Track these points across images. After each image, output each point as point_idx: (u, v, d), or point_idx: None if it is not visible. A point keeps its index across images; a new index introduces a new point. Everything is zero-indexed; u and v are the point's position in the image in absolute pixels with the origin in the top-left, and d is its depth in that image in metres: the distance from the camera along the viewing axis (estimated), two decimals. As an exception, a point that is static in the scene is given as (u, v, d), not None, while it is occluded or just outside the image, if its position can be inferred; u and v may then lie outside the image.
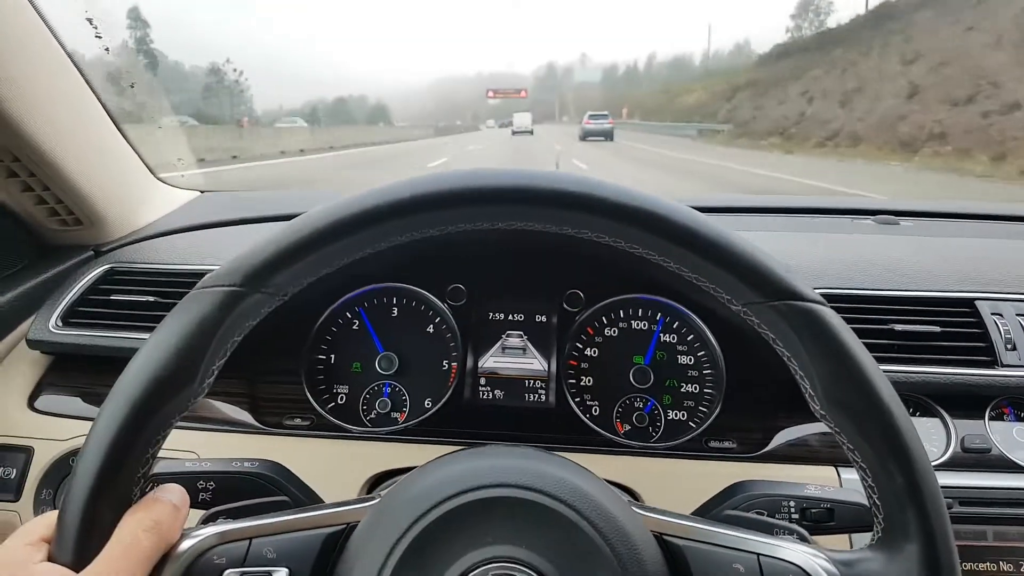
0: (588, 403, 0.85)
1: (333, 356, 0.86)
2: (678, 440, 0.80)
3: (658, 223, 0.42)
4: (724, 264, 0.42)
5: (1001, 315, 0.78)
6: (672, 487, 0.75)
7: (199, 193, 1.14)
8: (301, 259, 0.42)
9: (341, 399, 0.85)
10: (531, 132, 46.69)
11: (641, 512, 0.44)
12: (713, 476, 0.72)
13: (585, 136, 32.17)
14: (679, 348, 0.85)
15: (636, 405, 0.84)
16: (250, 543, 0.42)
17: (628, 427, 0.83)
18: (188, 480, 0.62)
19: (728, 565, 0.42)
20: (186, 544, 0.42)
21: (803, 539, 0.53)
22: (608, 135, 32.20)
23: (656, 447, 0.80)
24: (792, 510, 0.64)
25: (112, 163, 0.97)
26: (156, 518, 0.40)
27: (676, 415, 0.83)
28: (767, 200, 1.10)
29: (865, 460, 0.42)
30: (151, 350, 0.41)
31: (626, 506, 0.44)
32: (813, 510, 0.62)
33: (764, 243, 0.91)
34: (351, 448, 0.79)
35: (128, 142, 1.00)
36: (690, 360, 0.85)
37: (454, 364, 0.85)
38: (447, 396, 0.83)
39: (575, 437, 0.81)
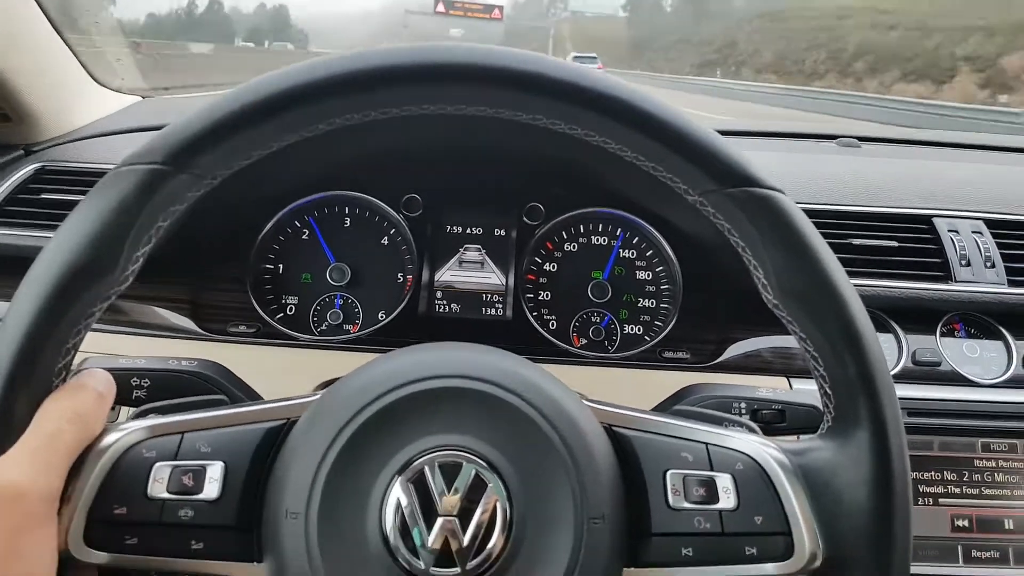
0: (546, 317, 0.83)
1: (281, 266, 0.82)
2: (632, 351, 0.79)
3: (616, 107, 0.39)
4: (682, 151, 0.40)
5: (957, 232, 0.78)
6: (625, 394, 0.73)
7: (140, 99, 1.07)
8: (230, 136, 0.38)
9: (290, 310, 0.82)
10: None
11: (591, 404, 0.43)
12: (666, 384, 0.71)
13: None
14: (638, 263, 0.84)
15: (593, 319, 0.83)
16: (182, 437, 0.40)
17: (585, 340, 0.82)
18: (121, 377, 0.58)
19: (677, 454, 0.41)
20: (112, 437, 0.39)
21: (753, 432, 0.52)
22: None
23: (611, 357, 0.79)
24: (743, 411, 0.64)
25: (47, 62, 0.90)
26: (79, 407, 0.37)
27: (632, 329, 0.82)
28: (734, 124, 1.08)
29: (818, 349, 0.41)
30: (66, 233, 0.37)
31: (575, 398, 0.42)
32: (764, 411, 0.62)
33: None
34: (300, 356, 0.77)
35: (66, 42, 0.93)
36: (648, 275, 0.84)
37: (409, 277, 0.83)
38: (401, 308, 0.80)
39: (531, 348, 0.80)
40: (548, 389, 0.41)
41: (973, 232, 0.78)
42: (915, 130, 1.10)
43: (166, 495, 0.38)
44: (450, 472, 0.38)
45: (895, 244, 0.77)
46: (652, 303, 0.83)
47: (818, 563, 0.40)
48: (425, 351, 0.43)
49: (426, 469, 0.38)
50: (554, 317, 0.83)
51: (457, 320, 0.82)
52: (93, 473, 0.38)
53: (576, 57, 28.56)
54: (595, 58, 29.97)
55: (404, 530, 0.36)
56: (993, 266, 0.76)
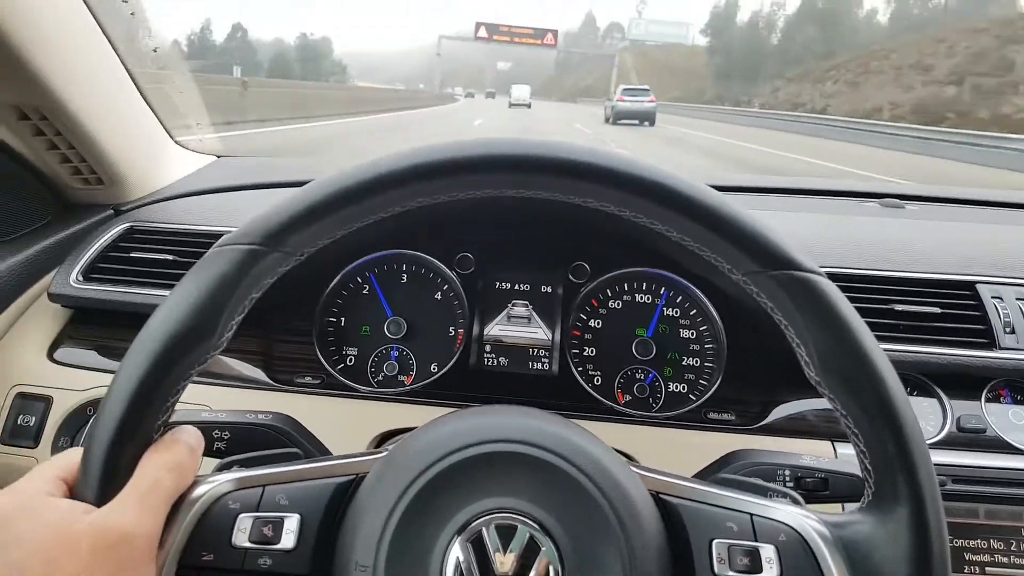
0: (591, 373, 0.87)
1: (343, 319, 0.88)
2: (678, 411, 0.81)
3: (662, 193, 0.43)
4: (725, 234, 0.43)
5: (1001, 299, 0.78)
6: (670, 455, 0.77)
7: (215, 158, 1.16)
8: (318, 220, 0.44)
9: (350, 360, 0.87)
10: (528, 105, 45.43)
11: (639, 472, 0.46)
12: (711, 446, 0.74)
13: (616, 118, 24.87)
14: (682, 322, 0.87)
15: (638, 376, 0.86)
16: (263, 490, 0.44)
17: (629, 397, 0.85)
18: (204, 429, 0.64)
19: (723, 523, 0.44)
20: (202, 489, 0.43)
21: (796, 503, 0.54)
22: (648, 118, 24.44)
23: (656, 416, 0.81)
24: (787, 478, 0.66)
25: (133, 125, 0.99)
26: (176, 458, 0.42)
27: (677, 387, 0.85)
28: (776, 181, 1.10)
29: (857, 426, 0.43)
30: (173, 304, 0.43)
31: (625, 465, 0.45)
32: (808, 479, 0.63)
33: (770, 222, 0.93)
34: (359, 407, 0.82)
35: (148, 104, 1.02)
36: (692, 334, 0.86)
37: (460, 330, 0.87)
38: (453, 361, 0.85)
39: (577, 404, 0.83)
40: (599, 456, 0.44)
41: (1017, 299, 0.78)
42: (961, 188, 1.10)
43: (248, 544, 0.42)
44: (506, 534, 0.41)
45: (938, 311, 0.78)
46: (696, 361, 0.86)
47: None
48: (486, 415, 0.47)
49: (484, 530, 0.41)
50: (599, 373, 0.87)
51: (505, 374, 0.86)
52: (185, 521, 0.42)
53: (627, 90, 25.71)
54: (647, 90, 26.01)
55: None
56: None
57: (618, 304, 0.89)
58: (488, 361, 0.87)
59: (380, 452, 0.47)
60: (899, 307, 0.78)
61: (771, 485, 0.57)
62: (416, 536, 0.41)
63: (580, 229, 0.87)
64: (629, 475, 0.44)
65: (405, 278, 0.89)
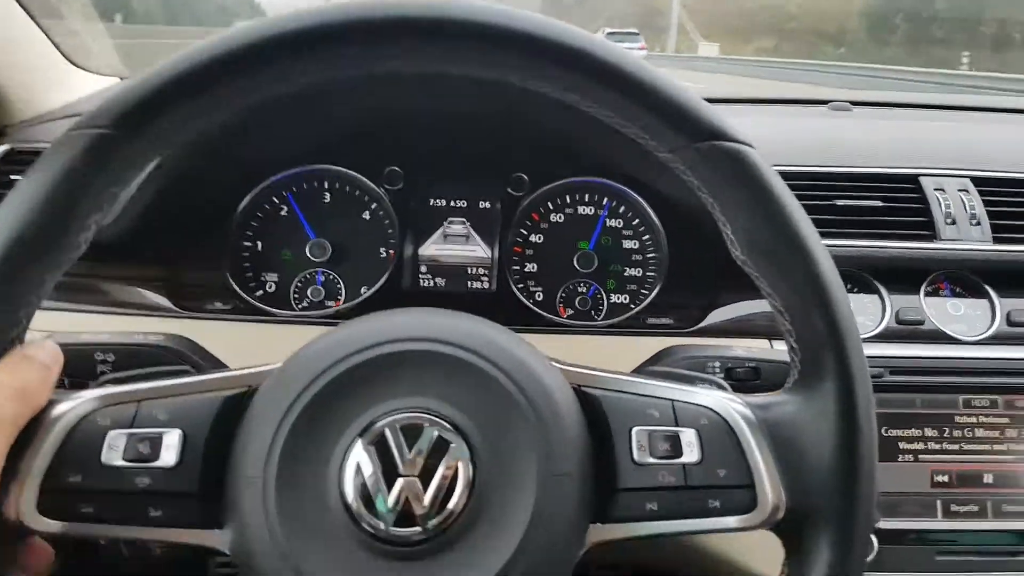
0: (532, 289, 0.83)
1: (260, 243, 0.81)
2: (617, 318, 0.79)
3: (580, 60, 0.38)
4: (650, 105, 0.39)
5: (943, 190, 0.77)
6: (609, 360, 0.74)
7: (119, 79, 1.04)
8: (187, 98, 0.37)
9: (270, 287, 0.81)
10: None
11: (560, 366, 0.43)
12: (649, 349, 0.72)
13: None
14: (624, 232, 0.83)
15: (580, 290, 0.82)
16: (138, 406, 0.39)
17: (571, 311, 0.82)
18: (84, 352, 0.58)
19: (643, 411, 0.41)
20: (63, 407, 0.38)
21: (721, 388, 0.52)
22: None
23: (594, 326, 0.79)
24: (717, 370, 0.65)
25: (18, 42, 0.87)
26: (20, 382, 0.36)
27: (619, 298, 0.82)
28: (727, 92, 1.06)
29: (784, 304, 0.41)
30: (14, 202, 0.36)
31: (543, 359, 0.42)
32: (739, 369, 0.62)
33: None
34: (278, 331, 0.76)
35: (38, 25, 0.90)
36: (635, 244, 0.83)
37: (392, 251, 0.82)
38: (382, 281, 0.79)
39: (518, 320, 0.79)
40: (513, 350, 0.40)
41: (959, 191, 0.77)
42: (910, 94, 1.08)
43: (122, 463, 0.37)
44: (412, 434, 0.37)
45: (880, 204, 0.76)
46: (639, 272, 0.83)
47: (781, 515, 0.40)
48: (387, 316, 0.43)
49: (387, 431, 0.37)
50: (540, 288, 0.83)
51: (442, 294, 0.82)
52: (45, 444, 0.37)
53: (612, 35, 20.01)
54: (637, 35, 21.20)
55: (364, 492, 0.36)
56: (979, 224, 0.76)
57: (559, 217, 0.84)
58: (424, 282, 0.82)
59: (276, 364, 0.42)
60: (841, 202, 0.76)
61: (696, 373, 0.55)
62: (312, 444, 0.37)
63: (518, 138, 0.81)
64: (548, 368, 0.41)
65: (328, 197, 0.82)
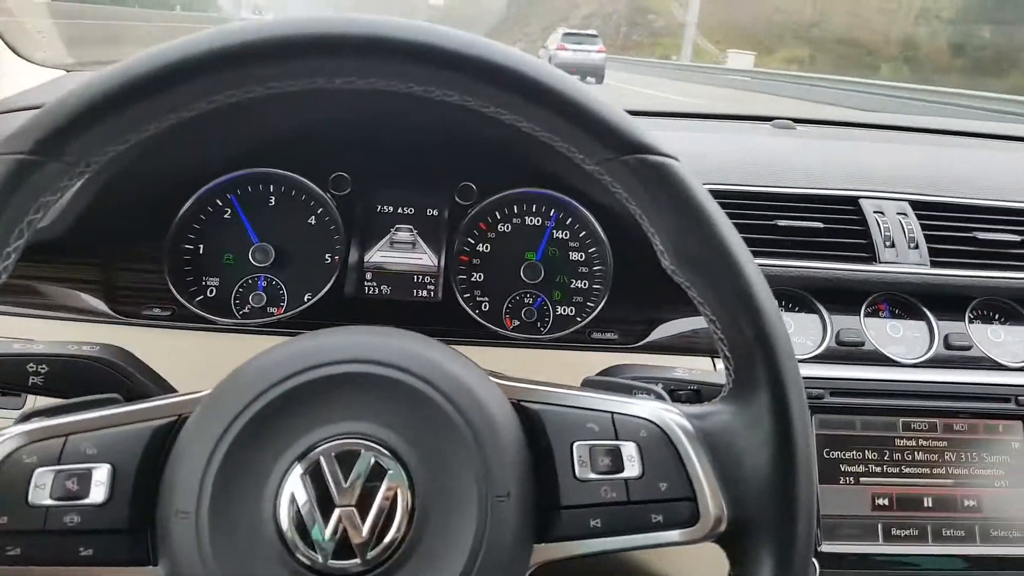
0: (478, 299, 0.82)
1: (202, 246, 0.79)
2: (562, 332, 0.78)
3: (504, 75, 0.38)
4: (576, 119, 0.39)
5: (883, 213, 0.78)
6: (551, 375, 0.74)
7: (64, 72, 1.03)
8: (103, 120, 0.36)
9: (211, 291, 0.79)
10: None
11: (498, 381, 0.42)
12: (594, 365, 0.71)
13: None
14: (571, 244, 0.83)
15: (526, 301, 0.82)
16: (66, 440, 0.38)
17: (517, 322, 0.81)
18: (17, 363, 0.56)
19: (583, 425, 0.41)
20: None
21: (660, 398, 0.52)
22: (595, 73, 17.21)
23: (539, 339, 0.78)
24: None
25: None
26: None
27: (565, 310, 0.82)
28: (668, 105, 1.07)
29: (715, 313, 0.41)
30: None
31: (481, 375, 0.42)
32: (681, 392, 0.62)
33: (665, 143, 0.89)
34: (217, 340, 0.74)
35: None
36: (581, 256, 0.83)
37: (337, 257, 0.81)
38: (327, 289, 0.78)
39: (463, 330, 0.79)
40: (449, 368, 0.40)
41: (898, 214, 0.78)
42: (854, 111, 1.11)
43: (49, 502, 0.36)
44: (348, 461, 0.37)
45: (820, 225, 0.77)
46: (585, 284, 0.83)
47: (723, 527, 0.40)
48: (320, 337, 0.42)
49: (322, 459, 0.36)
50: (487, 299, 0.82)
51: (387, 302, 0.81)
52: None
53: (569, 35, 18.84)
54: (595, 37, 18.92)
55: (300, 523, 0.35)
56: (917, 247, 0.77)
57: (507, 227, 0.84)
58: (369, 290, 0.81)
59: (204, 392, 0.41)
60: (782, 222, 0.77)
61: (635, 383, 0.54)
62: (244, 475, 0.36)
63: (467, 148, 0.81)
64: (485, 385, 0.41)
65: (273, 200, 0.81)
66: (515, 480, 0.38)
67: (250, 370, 0.39)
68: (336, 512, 0.35)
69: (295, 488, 0.36)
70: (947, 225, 0.78)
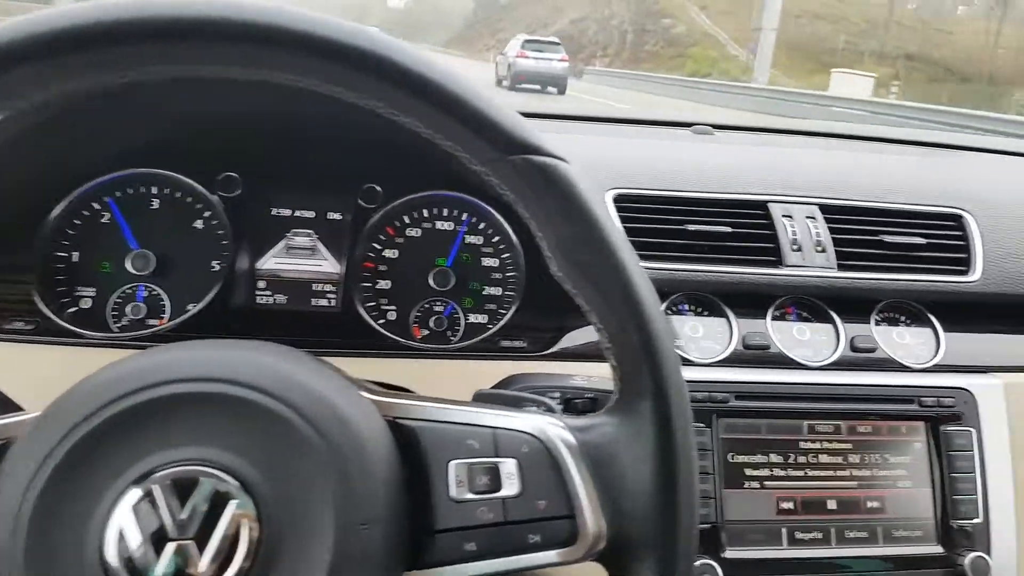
0: (384, 307, 0.78)
1: (76, 253, 0.73)
2: (470, 341, 0.75)
3: (381, 66, 0.35)
4: (460, 117, 0.37)
5: (791, 217, 0.78)
6: (454, 386, 0.71)
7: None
8: None
9: (85, 303, 0.73)
10: None
11: (373, 397, 0.39)
12: (498, 374, 0.69)
13: (515, 81, 16.92)
14: (484, 249, 0.80)
15: (435, 309, 0.78)
16: None
17: (426, 331, 0.78)
18: None
19: (463, 442, 0.39)
20: None
21: (550, 411, 0.49)
22: (557, 83, 16.96)
23: (444, 349, 0.75)
24: (556, 401, 0.62)
25: None
26: None
27: (476, 318, 0.79)
28: (592, 111, 1.06)
29: (602, 321, 0.40)
30: None
31: (351, 391, 0.38)
32: (577, 400, 0.60)
33: (581, 146, 0.86)
34: (89, 357, 0.68)
35: None
36: (495, 262, 0.80)
37: (225, 264, 0.75)
38: (210, 298, 0.73)
39: (365, 342, 0.75)
40: (311, 384, 0.36)
41: (807, 217, 0.78)
42: (775, 118, 1.11)
43: None
44: (185, 490, 0.33)
45: (728, 230, 0.76)
46: (498, 290, 0.80)
47: (603, 546, 0.38)
48: (170, 351, 0.38)
49: (155, 489, 0.33)
50: (393, 307, 0.78)
51: (282, 313, 0.76)
52: None
53: (530, 43, 17.43)
54: (558, 44, 17.69)
55: (129, 561, 0.32)
56: (824, 250, 0.77)
57: (416, 232, 0.80)
58: (261, 298, 0.76)
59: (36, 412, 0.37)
60: (691, 227, 0.76)
61: (526, 395, 0.52)
62: (68, 506, 0.32)
63: (370, 146, 0.77)
64: (354, 402, 0.38)
65: (156, 204, 0.75)
66: (384, 504, 0.35)
67: (85, 387, 0.35)
68: (170, 546, 0.32)
69: (124, 520, 0.32)
70: (855, 228, 0.79)
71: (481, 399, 0.49)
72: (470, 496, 0.38)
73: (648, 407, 0.38)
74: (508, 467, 0.38)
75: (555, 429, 0.39)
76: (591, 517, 0.38)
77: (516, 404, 0.46)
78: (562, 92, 16.99)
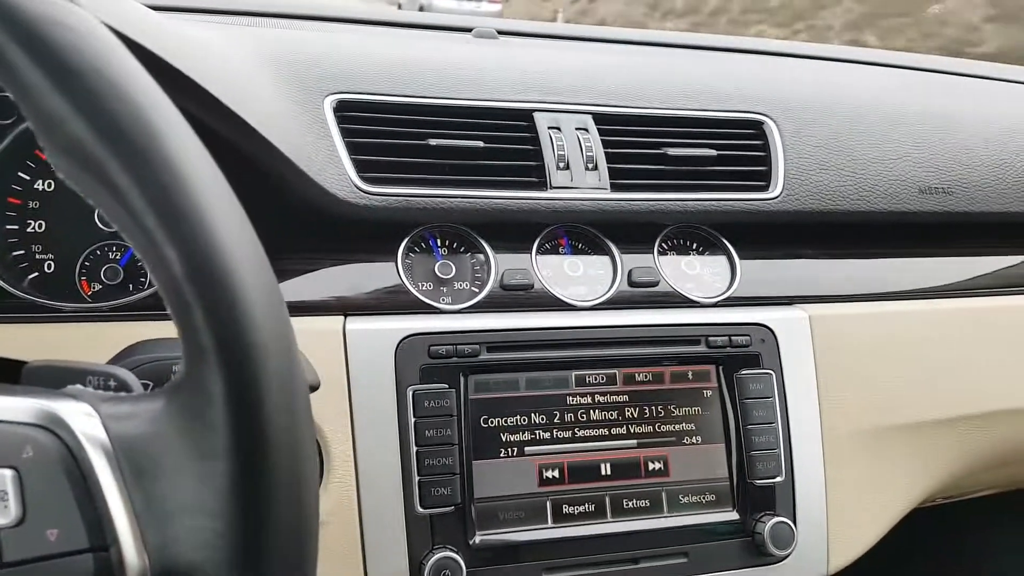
0: (38, 257, 0.60)
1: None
2: (140, 295, 0.59)
3: None
4: None
5: (559, 129, 0.65)
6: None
7: None
8: None
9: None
10: None
11: None
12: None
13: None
14: None
15: (110, 255, 0.60)
16: None
17: (99, 286, 0.60)
18: None
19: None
20: None
21: (105, 389, 0.35)
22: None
23: (101, 309, 0.58)
24: (173, 372, 0.47)
25: None
26: None
27: None
28: (352, 12, 0.89)
29: (133, 238, 0.28)
30: None
31: None
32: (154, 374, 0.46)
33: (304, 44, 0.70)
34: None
35: None
36: None
37: None
38: None
39: (9, 303, 0.56)
40: None
41: (578, 129, 0.65)
42: (570, 25, 0.99)
43: None
44: None
45: (481, 144, 0.62)
46: None
47: None
48: None
49: None
50: (52, 257, 0.60)
51: None
52: None
53: None
54: None
55: None
56: (595, 168, 0.64)
57: None
58: None
59: None
60: (434, 142, 0.61)
61: (93, 367, 0.37)
62: None
63: None
64: None
65: None
66: None
67: None
68: None
69: None
70: (634, 141, 0.66)
71: (32, 375, 0.35)
72: None
73: (214, 377, 0.27)
74: (4, 481, 0.27)
75: (81, 420, 0.28)
76: (130, 548, 0.27)
77: (64, 383, 0.32)
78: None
